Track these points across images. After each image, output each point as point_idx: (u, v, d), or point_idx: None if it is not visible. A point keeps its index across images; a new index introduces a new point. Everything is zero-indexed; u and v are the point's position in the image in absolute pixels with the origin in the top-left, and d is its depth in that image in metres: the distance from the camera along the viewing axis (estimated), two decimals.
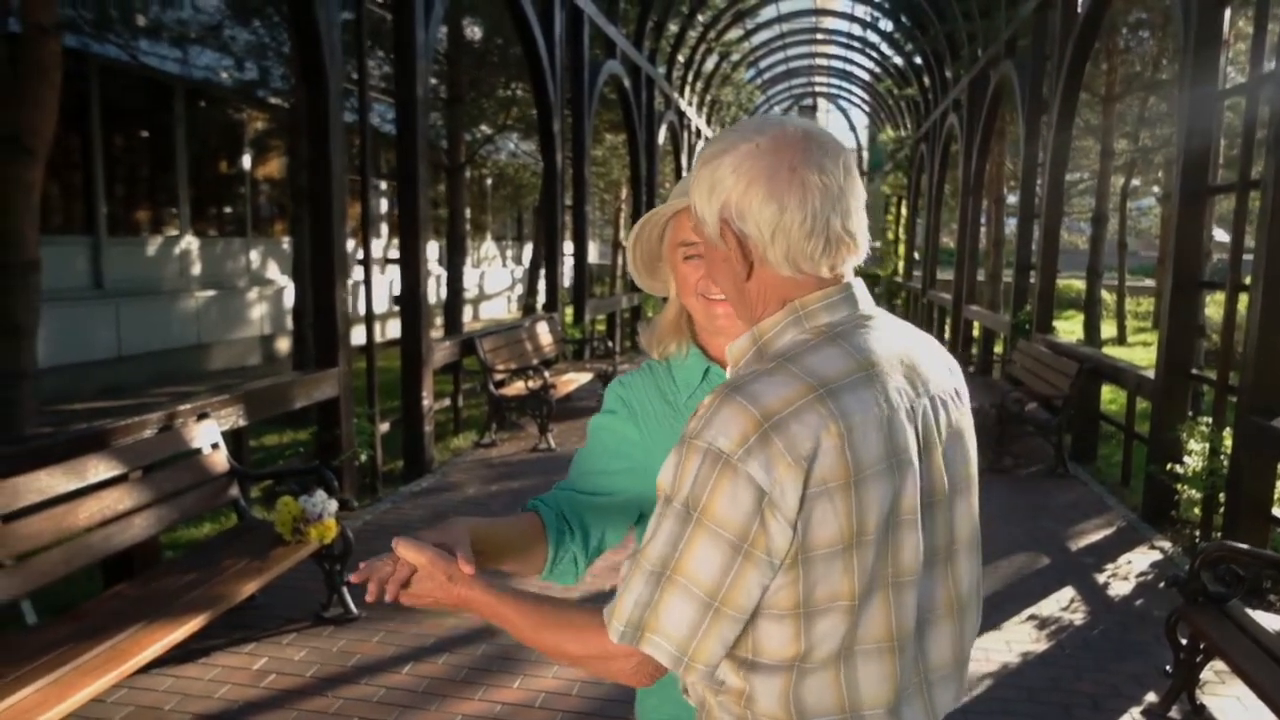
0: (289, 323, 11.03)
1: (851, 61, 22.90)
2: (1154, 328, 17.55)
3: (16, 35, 5.87)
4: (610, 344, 12.20)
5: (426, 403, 6.59)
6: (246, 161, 13.86)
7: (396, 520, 5.57)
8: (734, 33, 19.46)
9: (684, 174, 8.57)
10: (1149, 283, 23.52)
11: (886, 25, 19.41)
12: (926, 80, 17.27)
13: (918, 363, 1.11)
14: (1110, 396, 8.79)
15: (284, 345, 13.16)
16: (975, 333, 12.77)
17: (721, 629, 1.01)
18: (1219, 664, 3.51)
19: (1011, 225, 13.11)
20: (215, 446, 4.25)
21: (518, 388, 7.77)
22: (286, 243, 13.00)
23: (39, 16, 5.34)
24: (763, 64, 23.10)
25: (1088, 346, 9.81)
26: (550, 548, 1.34)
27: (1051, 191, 8.50)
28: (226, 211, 13.83)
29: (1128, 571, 4.94)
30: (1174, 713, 3.40)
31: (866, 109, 27.66)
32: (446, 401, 7.88)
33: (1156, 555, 5.18)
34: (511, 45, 12.37)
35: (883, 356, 1.07)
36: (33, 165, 5.39)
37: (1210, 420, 5.17)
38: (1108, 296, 18.94)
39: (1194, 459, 5.06)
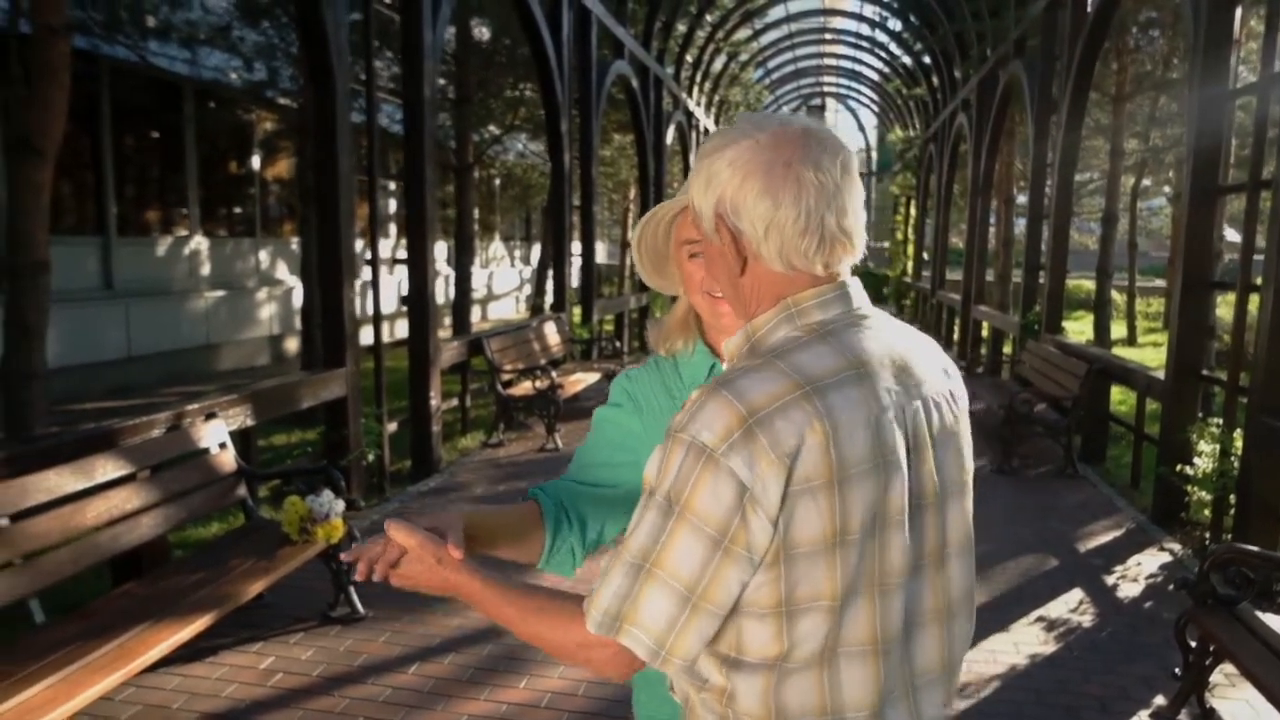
0: (298, 323, 11.06)
1: (860, 61, 22.87)
2: (1164, 328, 17.47)
3: (27, 36, 5.90)
4: (618, 344, 12.19)
5: (434, 403, 6.60)
6: (255, 162, 13.91)
7: None
8: (742, 33, 19.43)
9: None
10: (1159, 283, 23.42)
11: (895, 25, 19.38)
12: (935, 80, 17.23)
13: (910, 364, 1.11)
14: (1120, 397, 8.75)
15: (293, 345, 13.19)
16: (984, 333, 12.74)
17: (699, 624, 1.01)
18: (1229, 667, 3.48)
19: (1021, 225, 13.07)
20: (223, 446, 4.26)
21: (525, 388, 7.77)
22: (295, 243, 13.03)
23: (48, 18, 5.36)
24: (771, 64, 23.06)
25: (1097, 347, 9.77)
26: (548, 537, 1.35)
27: (1061, 191, 8.46)
28: (236, 212, 13.88)
29: (1137, 573, 4.91)
30: (1183, 716, 3.38)
31: (875, 109, 27.63)
32: (454, 401, 7.89)
33: (1166, 557, 5.15)
34: (519, 45, 12.39)
35: (874, 356, 1.07)
36: (42, 166, 5.42)
37: (1220, 421, 5.15)
38: (1118, 297, 18.85)
39: (1204, 460, 5.03)
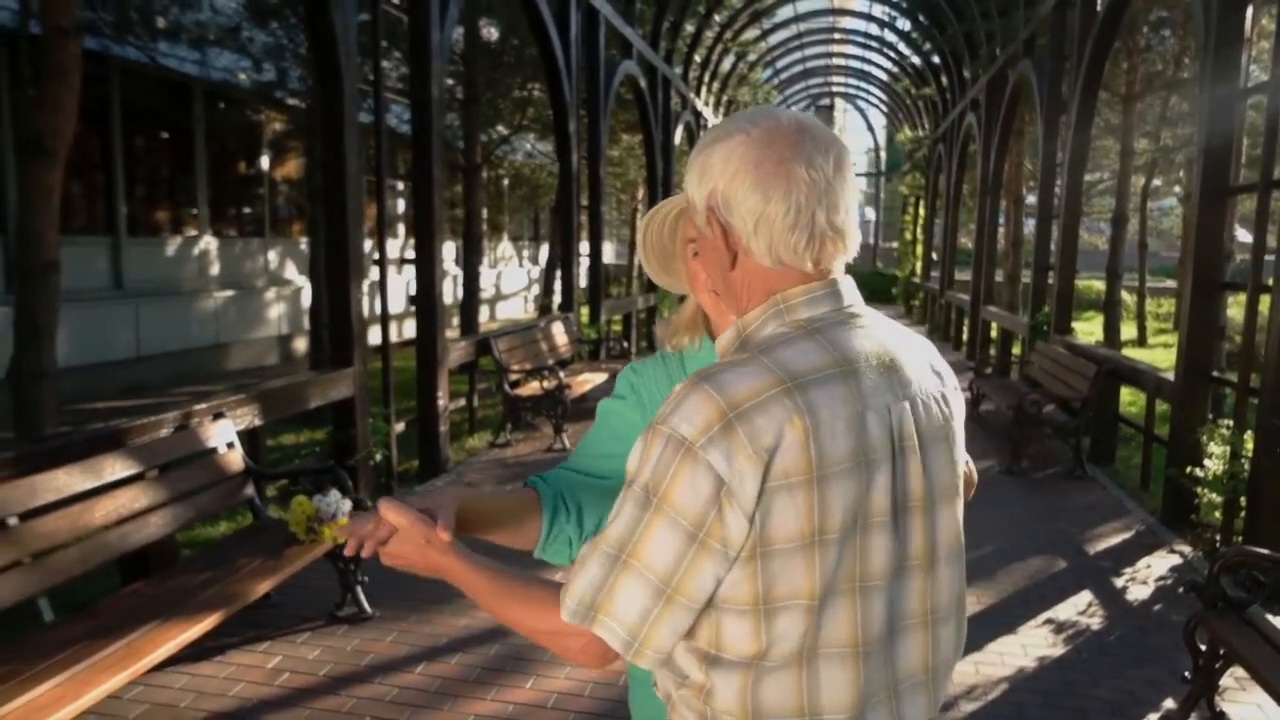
0: (306, 323, 11.10)
1: (869, 61, 22.84)
2: (1174, 329, 17.37)
3: (37, 38, 5.93)
4: (626, 344, 12.20)
5: (442, 403, 6.61)
6: (265, 162, 13.95)
7: None
8: (751, 33, 19.41)
9: None
10: (1170, 284, 23.29)
11: (904, 24, 19.34)
12: (944, 80, 17.18)
13: (900, 363, 1.10)
14: (1129, 398, 8.71)
15: (301, 345, 13.23)
16: (993, 334, 12.70)
17: (673, 616, 1.01)
18: (1239, 670, 3.46)
19: (1030, 225, 13.02)
20: (231, 446, 4.27)
21: (533, 388, 7.78)
22: (304, 243, 13.07)
23: (59, 19, 5.38)
24: (779, 64, 23.05)
25: (1107, 348, 9.73)
26: (545, 525, 1.35)
27: (1070, 191, 8.43)
28: (245, 212, 13.93)
29: (1146, 576, 4.89)
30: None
31: (884, 109, 27.56)
32: (462, 401, 7.90)
33: (1175, 559, 5.12)
34: (527, 46, 12.38)
35: (861, 354, 1.06)
36: (52, 167, 5.43)
37: (1231, 423, 5.12)
38: (1128, 298, 18.76)
39: (1214, 462, 5.00)
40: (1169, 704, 3.49)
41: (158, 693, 3.43)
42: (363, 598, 4.17)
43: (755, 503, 0.98)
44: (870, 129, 32.87)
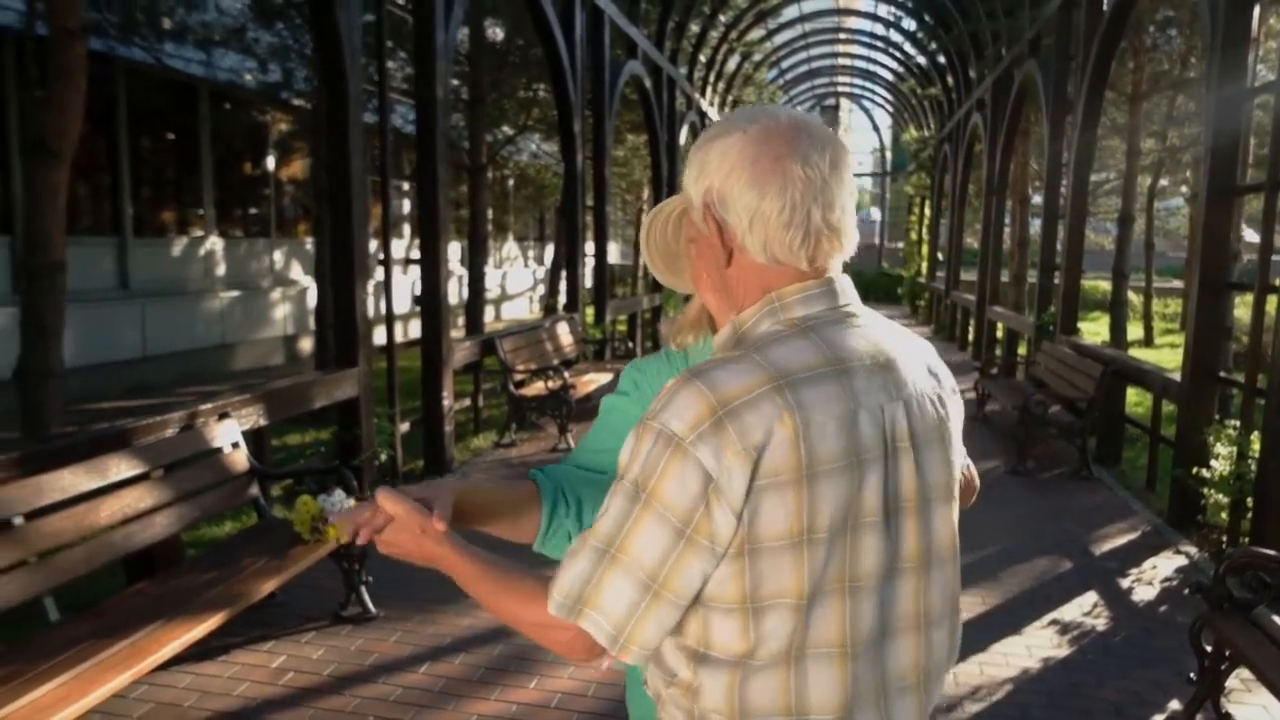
0: (312, 323, 11.11)
1: (874, 61, 22.82)
2: (1181, 329, 17.33)
3: (43, 39, 5.95)
4: (631, 344, 12.20)
5: (447, 403, 6.61)
6: (270, 163, 13.99)
7: None
8: (756, 33, 19.39)
9: None
10: (1176, 284, 23.22)
11: (910, 24, 19.32)
12: (950, 80, 17.16)
13: (895, 363, 1.09)
14: (1136, 399, 8.68)
15: (307, 345, 13.25)
16: (999, 334, 12.67)
17: (659, 612, 1.01)
18: (1244, 672, 3.44)
19: (1036, 226, 12.98)
20: (236, 446, 4.28)
21: (538, 388, 7.78)
22: (310, 243, 13.09)
23: (65, 20, 5.40)
24: (785, 64, 23.02)
25: (1113, 348, 9.70)
26: (544, 519, 1.35)
27: (1076, 191, 8.41)
28: (251, 212, 13.96)
29: (1152, 577, 4.87)
30: None
31: (890, 109, 27.56)
32: (467, 401, 7.91)
33: (1181, 560, 5.11)
34: (532, 46, 12.39)
35: (855, 353, 1.06)
36: (58, 168, 5.45)
37: (1238, 424, 5.10)
38: (1134, 298, 18.69)
39: (1221, 463, 4.99)
40: (1174, 705, 3.48)
41: (162, 692, 3.44)
42: (367, 598, 4.17)
43: (743, 500, 0.97)
44: (876, 129, 32.88)
